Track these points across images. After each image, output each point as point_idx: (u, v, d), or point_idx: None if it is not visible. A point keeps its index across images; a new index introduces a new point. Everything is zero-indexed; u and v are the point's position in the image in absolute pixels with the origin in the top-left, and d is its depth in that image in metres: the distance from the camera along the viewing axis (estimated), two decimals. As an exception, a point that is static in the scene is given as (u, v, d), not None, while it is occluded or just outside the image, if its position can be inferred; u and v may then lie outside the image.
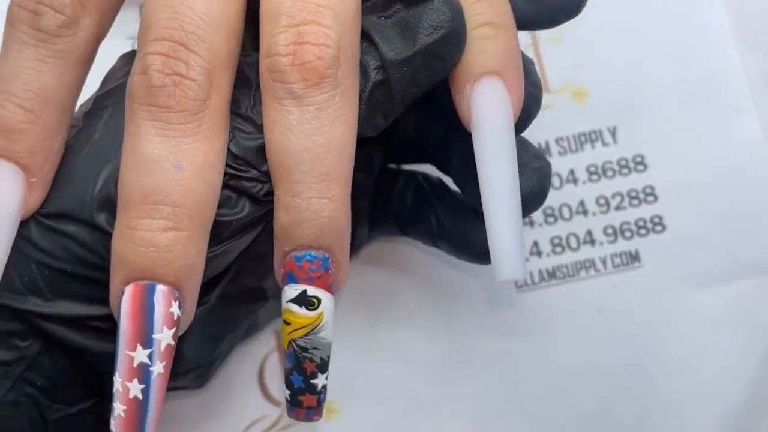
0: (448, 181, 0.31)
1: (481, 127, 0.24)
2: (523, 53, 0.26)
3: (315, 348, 0.24)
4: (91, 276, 0.25)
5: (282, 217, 0.24)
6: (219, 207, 0.24)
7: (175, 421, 0.34)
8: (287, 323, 0.24)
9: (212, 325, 0.29)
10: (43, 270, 0.25)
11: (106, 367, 0.26)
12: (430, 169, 0.32)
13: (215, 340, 0.30)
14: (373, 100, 0.24)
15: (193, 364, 0.29)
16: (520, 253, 0.24)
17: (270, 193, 0.24)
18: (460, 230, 0.30)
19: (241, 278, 0.29)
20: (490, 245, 0.24)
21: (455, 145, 0.30)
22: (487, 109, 0.24)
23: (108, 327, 0.25)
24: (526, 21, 0.27)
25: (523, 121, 0.26)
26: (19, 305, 0.25)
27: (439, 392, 0.34)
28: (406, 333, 0.35)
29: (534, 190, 0.27)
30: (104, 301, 0.24)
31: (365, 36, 0.24)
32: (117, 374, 0.23)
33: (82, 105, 0.27)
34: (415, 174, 0.32)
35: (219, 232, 0.24)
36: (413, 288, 0.35)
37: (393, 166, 0.33)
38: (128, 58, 0.28)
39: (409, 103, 0.25)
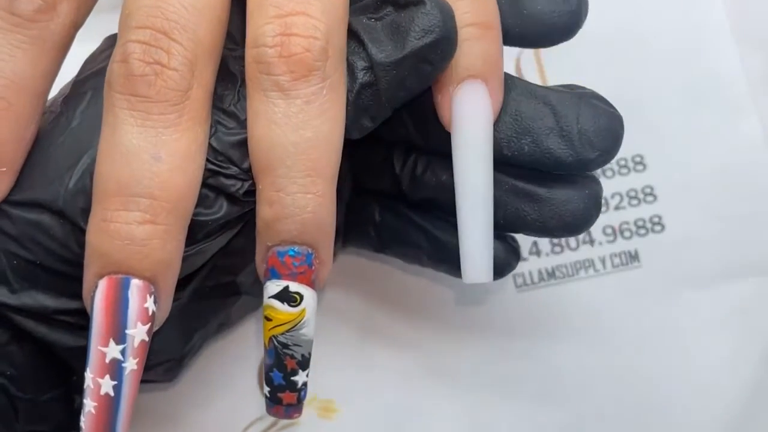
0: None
1: (462, 131, 0.25)
2: None
3: (296, 345, 0.24)
4: (61, 269, 0.24)
5: (265, 212, 0.23)
6: (195, 206, 0.23)
7: (173, 420, 0.34)
8: (268, 319, 0.24)
9: (184, 319, 0.29)
10: (11, 259, 0.24)
11: (75, 362, 0.25)
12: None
13: (186, 335, 0.29)
14: (360, 101, 0.24)
15: (163, 357, 0.29)
16: (488, 257, 0.24)
17: (249, 193, 0.24)
18: (436, 244, 0.29)
19: (215, 273, 0.28)
20: (460, 247, 0.24)
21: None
22: (469, 114, 0.25)
23: (77, 322, 0.25)
24: (513, 40, 0.26)
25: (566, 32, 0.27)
26: None
27: (439, 392, 0.34)
28: (406, 333, 0.35)
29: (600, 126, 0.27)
30: (74, 294, 0.24)
31: (354, 36, 0.24)
32: (88, 370, 0.22)
33: (61, 89, 0.26)
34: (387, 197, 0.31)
35: (194, 233, 0.24)
36: (412, 287, 0.35)
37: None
38: (112, 40, 0.28)
39: (396, 107, 0.25)
